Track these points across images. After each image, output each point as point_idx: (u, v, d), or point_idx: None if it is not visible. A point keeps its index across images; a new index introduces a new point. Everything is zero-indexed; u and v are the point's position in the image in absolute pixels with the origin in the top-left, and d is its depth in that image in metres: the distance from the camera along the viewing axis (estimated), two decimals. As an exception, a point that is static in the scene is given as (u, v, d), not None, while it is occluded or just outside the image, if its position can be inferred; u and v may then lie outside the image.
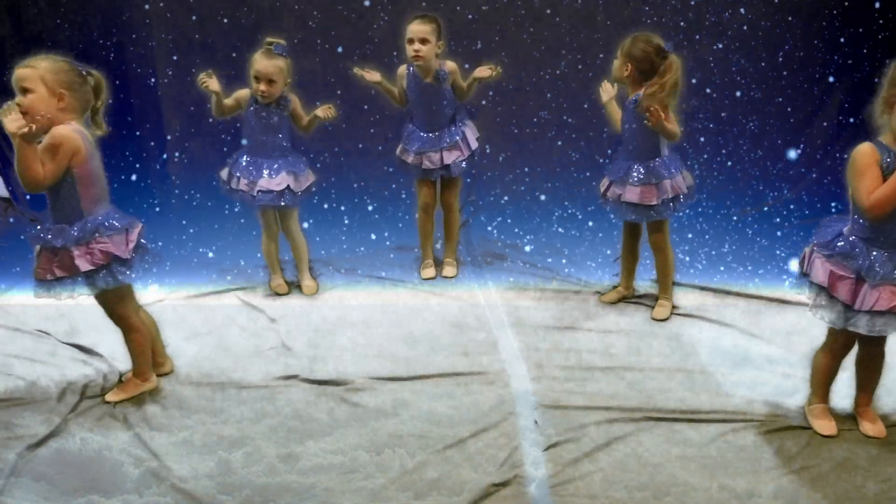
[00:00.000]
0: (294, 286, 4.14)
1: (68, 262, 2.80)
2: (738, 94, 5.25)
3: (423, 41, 3.83)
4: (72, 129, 2.73)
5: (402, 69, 4.05)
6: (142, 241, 2.93)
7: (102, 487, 2.52)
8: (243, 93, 3.80)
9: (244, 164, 3.86)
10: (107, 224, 2.83)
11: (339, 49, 5.11)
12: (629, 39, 3.50)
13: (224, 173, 3.94)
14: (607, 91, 3.75)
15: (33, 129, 2.57)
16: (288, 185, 3.85)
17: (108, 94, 2.90)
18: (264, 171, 3.83)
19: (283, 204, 3.87)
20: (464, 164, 4.11)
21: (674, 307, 3.83)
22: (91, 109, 2.87)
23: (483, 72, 3.92)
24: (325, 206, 5.00)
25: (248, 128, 3.85)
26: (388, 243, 4.76)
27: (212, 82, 3.68)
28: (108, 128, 2.94)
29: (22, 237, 4.43)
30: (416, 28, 3.84)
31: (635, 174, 3.60)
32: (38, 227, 2.85)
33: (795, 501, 2.49)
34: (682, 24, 5.10)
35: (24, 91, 2.70)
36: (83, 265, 2.80)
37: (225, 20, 5.06)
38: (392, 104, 4.21)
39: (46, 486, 2.52)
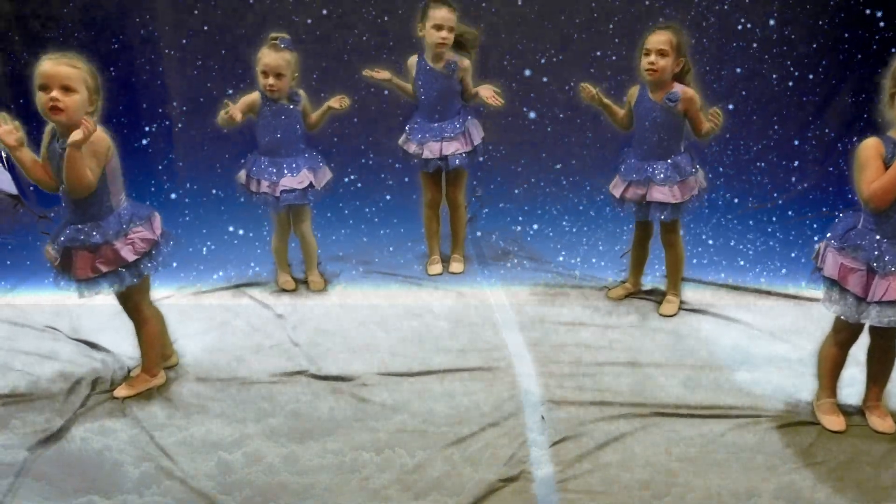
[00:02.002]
0: (301, 283, 4.14)
1: (112, 256, 2.83)
2: (744, 92, 5.19)
3: (451, 29, 3.87)
4: (103, 130, 2.75)
5: (412, 60, 4.05)
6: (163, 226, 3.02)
7: (103, 487, 2.52)
8: (253, 97, 3.74)
9: (263, 165, 3.82)
10: (137, 213, 2.91)
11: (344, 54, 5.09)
12: (674, 31, 3.40)
13: (241, 177, 3.90)
14: (595, 93, 3.55)
15: (86, 135, 2.58)
16: (311, 182, 3.85)
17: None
18: (284, 170, 3.81)
19: (307, 201, 3.88)
20: (464, 159, 4.05)
21: (681, 303, 3.80)
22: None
23: (487, 94, 3.89)
24: (332, 202, 4.99)
25: (262, 128, 3.79)
26: (395, 239, 4.74)
27: (235, 112, 3.56)
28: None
29: (31, 236, 4.49)
30: (447, 16, 3.85)
31: (661, 173, 3.53)
32: (68, 229, 2.83)
33: (800, 498, 2.47)
34: (688, 20, 5.05)
35: (66, 89, 2.65)
36: (129, 256, 2.85)
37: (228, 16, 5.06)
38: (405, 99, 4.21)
39: (47, 486, 2.52)
